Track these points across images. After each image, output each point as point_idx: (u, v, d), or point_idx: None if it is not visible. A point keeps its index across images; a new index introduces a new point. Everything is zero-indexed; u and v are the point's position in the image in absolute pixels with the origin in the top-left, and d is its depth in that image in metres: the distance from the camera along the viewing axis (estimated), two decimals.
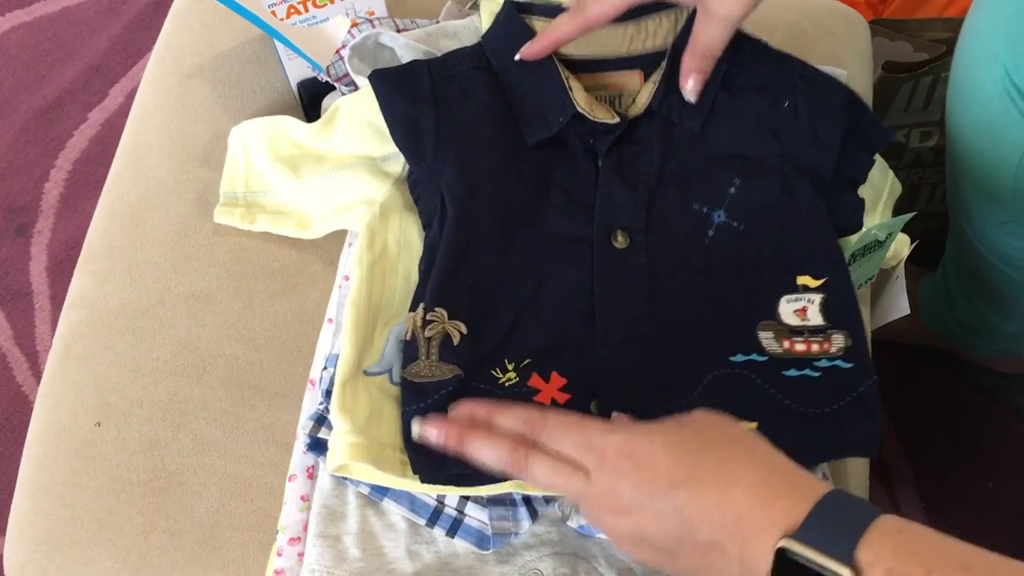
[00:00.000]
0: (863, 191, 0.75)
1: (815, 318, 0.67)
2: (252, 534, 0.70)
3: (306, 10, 0.82)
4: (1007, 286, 1.00)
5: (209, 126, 0.84)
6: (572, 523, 0.66)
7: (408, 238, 0.72)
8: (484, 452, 0.56)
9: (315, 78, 0.83)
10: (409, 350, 0.65)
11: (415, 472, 0.63)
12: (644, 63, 0.73)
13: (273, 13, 0.81)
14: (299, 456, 0.70)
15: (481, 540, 0.66)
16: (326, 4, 0.82)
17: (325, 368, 0.70)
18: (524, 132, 0.71)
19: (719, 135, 0.71)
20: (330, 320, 0.74)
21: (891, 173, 0.83)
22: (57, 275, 1.33)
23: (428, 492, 0.66)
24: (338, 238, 0.78)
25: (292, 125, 0.77)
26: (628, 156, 0.71)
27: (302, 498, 0.68)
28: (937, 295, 1.15)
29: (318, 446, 0.68)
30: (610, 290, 0.68)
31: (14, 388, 1.26)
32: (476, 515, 0.66)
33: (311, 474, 0.69)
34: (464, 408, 0.59)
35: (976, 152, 0.85)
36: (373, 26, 0.79)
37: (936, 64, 1.07)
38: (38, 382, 1.01)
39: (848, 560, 0.45)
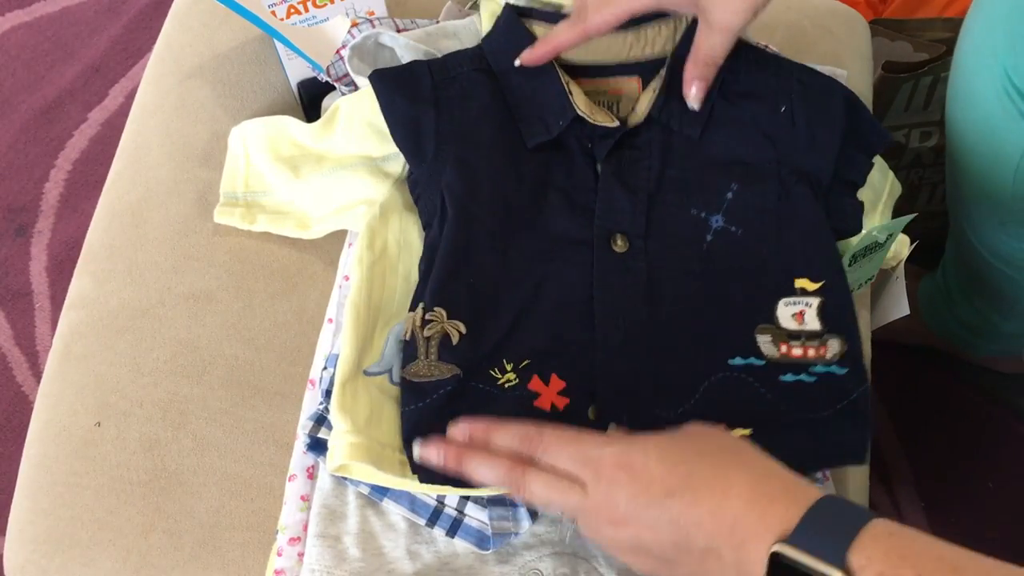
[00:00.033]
0: (863, 192, 0.75)
1: (812, 322, 0.68)
2: (252, 534, 0.70)
3: (306, 10, 0.82)
4: (1007, 286, 1.00)
5: (209, 126, 0.84)
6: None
7: (408, 238, 0.72)
8: (482, 472, 0.57)
9: (315, 78, 0.83)
10: (408, 350, 0.66)
11: (414, 472, 0.63)
12: (643, 70, 0.73)
13: (273, 13, 0.81)
14: (299, 456, 0.70)
15: (481, 540, 0.66)
16: (326, 4, 0.82)
17: (325, 368, 0.70)
18: (524, 134, 0.71)
19: (717, 141, 0.71)
20: (330, 320, 0.74)
21: (891, 174, 0.83)
22: (57, 275, 1.33)
23: (428, 492, 0.66)
24: (338, 238, 0.78)
25: (292, 125, 0.77)
26: (628, 161, 0.71)
27: (302, 498, 0.69)
28: (937, 295, 1.15)
29: (318, 446, 0.68)
30: (609, 294, 0.68)
31: (14, 388, 1.26)
32: (476, 515, 0.66)
33: (311, 474, 0.69)
34: (462, 427, 0.60)
35: (976, 152, 0.85)
36: (373, 26, 0.79)
37: (936, 64, 1.07)
38: (38, 382, 1.01)
39: (840, 564, 0.46)
